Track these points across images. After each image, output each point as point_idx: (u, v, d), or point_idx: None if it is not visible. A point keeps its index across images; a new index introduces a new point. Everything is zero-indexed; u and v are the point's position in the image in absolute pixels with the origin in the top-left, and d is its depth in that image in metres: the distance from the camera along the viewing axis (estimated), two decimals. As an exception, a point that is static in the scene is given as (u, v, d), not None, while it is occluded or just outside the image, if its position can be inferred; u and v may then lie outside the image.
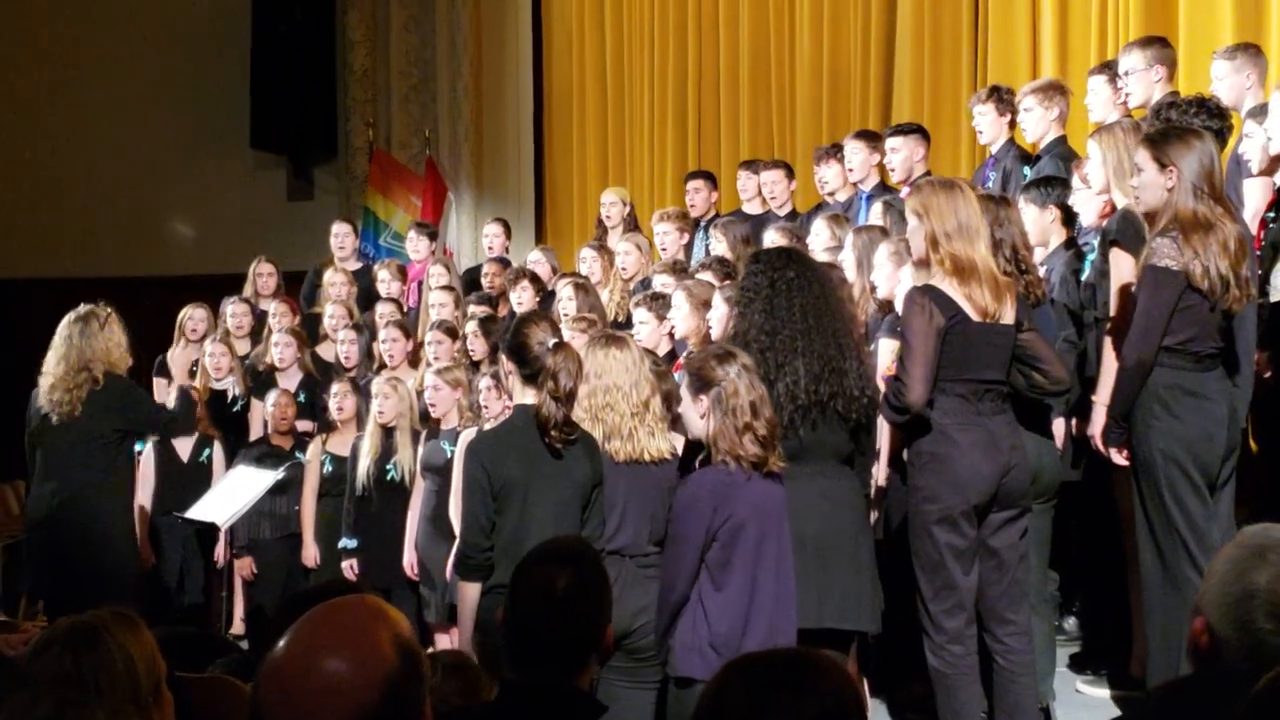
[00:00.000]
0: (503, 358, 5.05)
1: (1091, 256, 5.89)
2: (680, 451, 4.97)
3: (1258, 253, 5.54)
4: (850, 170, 8.01)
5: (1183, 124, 5.22)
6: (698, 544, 4.27)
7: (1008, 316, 4.80)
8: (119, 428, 6.62)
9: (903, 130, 7.75)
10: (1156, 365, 4.76)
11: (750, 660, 2.14)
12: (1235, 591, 2.35)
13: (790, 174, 8.72)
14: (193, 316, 8.87)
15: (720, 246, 7.69)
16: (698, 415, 4.37)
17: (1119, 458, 4.91)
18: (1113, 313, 5.15)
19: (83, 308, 6.66)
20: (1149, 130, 5.16)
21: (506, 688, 2.82)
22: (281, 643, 1.92)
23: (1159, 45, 6.53)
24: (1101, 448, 5.06)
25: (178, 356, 8.74)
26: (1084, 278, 5.88)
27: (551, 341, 4.69)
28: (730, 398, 4.29)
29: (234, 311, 9.00)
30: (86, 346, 6.51)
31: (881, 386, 5.11)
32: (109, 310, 6.66)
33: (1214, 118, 5.55)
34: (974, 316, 4.73)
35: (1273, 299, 5.41)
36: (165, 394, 8.20)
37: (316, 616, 1.95)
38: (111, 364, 6.56)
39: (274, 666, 1.90)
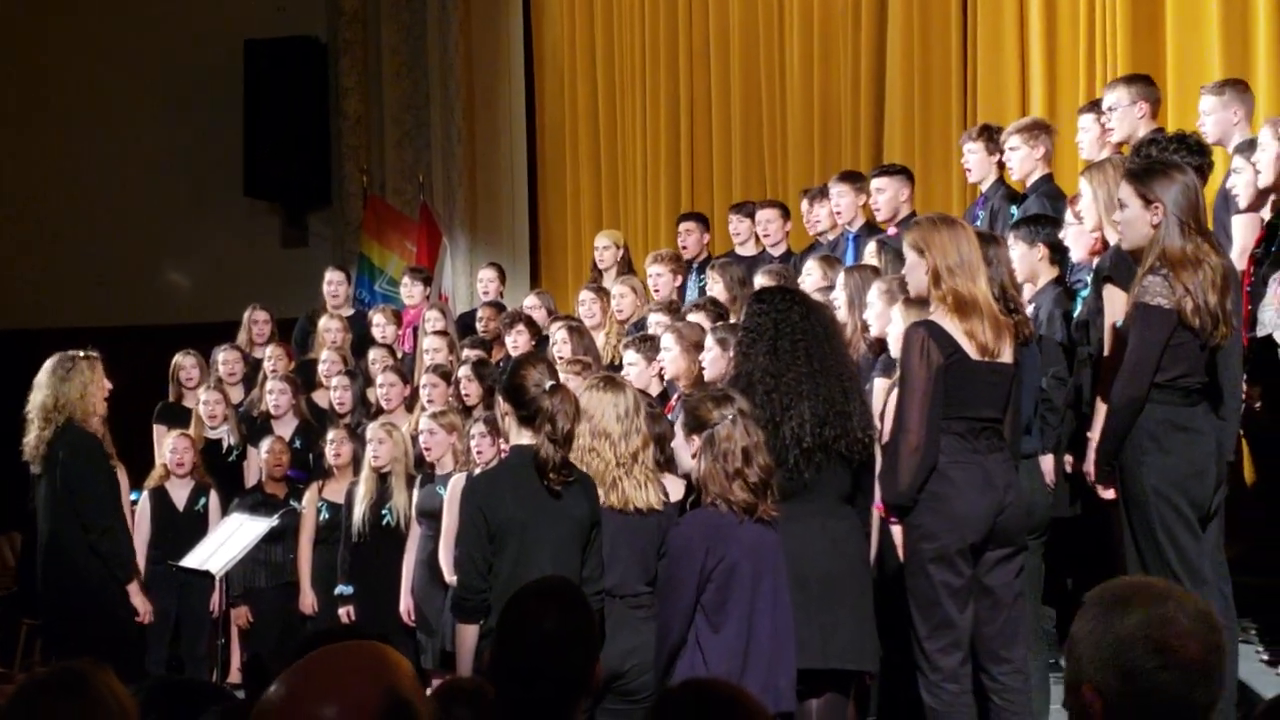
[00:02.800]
0: (499, 399, 5.06)
1: (1084, 294, 5.90)
2: (673, 498, 4.96)
3: (1246, 288, 5.56)
4: (837, 212, 8.05)
5: (1164, 159, 5.23)
6: (692, 586, 4.28)
7: (1006, 355, 4.80)
8: (62, 482, 6.48)
9: (887, 171, 7.81)
10: (1147, 401, 4.75)
11: (673, 693, 2.19)
12: (1109, 642, 2.27)
13: (785, 214, 8.76)
14: (184, 365, 8.87)
15: (717, 288, 7.72)
16: (689, 454, 4.39)
17: (1107, 494, 4.90)
18: (1106, 349, 5.15)
19: (67, 351, 6.64)
20: (1131, 165, 5.17)
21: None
22: (274, 685, 1.92)
23: (1142, 82, 6.58)
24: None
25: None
26: (1076, 315, 5.89)
27: (548, 384, 4.70)
28: (723, 442, 4.30)
29: (225, 359, 8.97)
30: (53, 391, 6.49)
31: (878, 425, 5.12)
32: (85, 354, 6.62)
33: (1194, 154, 5.57)
34: (973, 354, 4.73)
35: (1260, 334, 5.42)
36: (164, 439, 8.19)
37: (311, 661, 1.95)
38: (78, 409, 6.49)
39: (264, 709, 1.91)
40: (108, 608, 6.53)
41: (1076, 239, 5.98)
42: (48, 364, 6.60)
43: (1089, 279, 5.86)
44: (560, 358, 7.23)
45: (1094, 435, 5.10)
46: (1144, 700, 2.24)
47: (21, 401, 6.68)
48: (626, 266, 9.29)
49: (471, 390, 7.63)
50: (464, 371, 7.74)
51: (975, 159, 7.35)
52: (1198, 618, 2.26)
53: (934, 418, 4.70)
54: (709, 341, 6.03)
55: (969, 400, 4.75)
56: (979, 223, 7.07)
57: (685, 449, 4.42)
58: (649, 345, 6.65)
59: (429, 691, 6.34)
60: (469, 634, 4.64)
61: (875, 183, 7.71)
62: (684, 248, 9.16)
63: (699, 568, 4.27)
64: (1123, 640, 2.25)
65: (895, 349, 5.41)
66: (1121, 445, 4.79)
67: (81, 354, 6.62)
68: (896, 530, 4.93)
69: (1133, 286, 4.77)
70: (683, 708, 2.22)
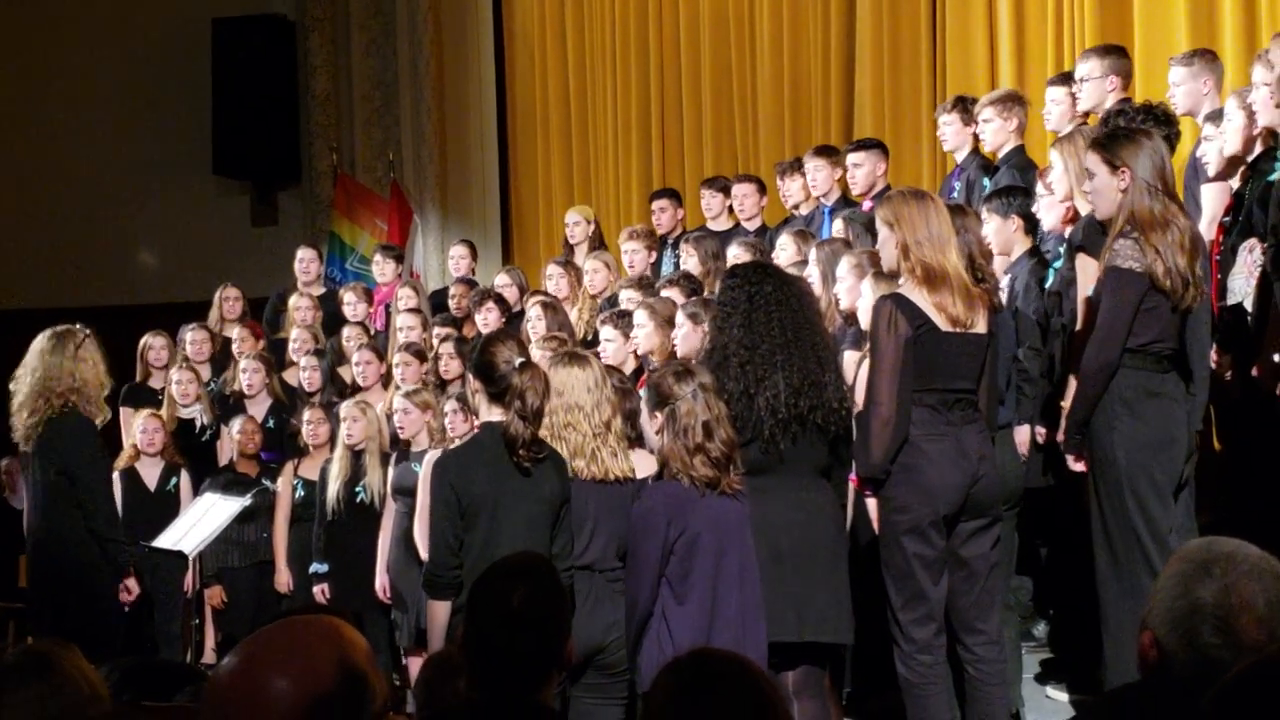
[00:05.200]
0: (469, 376, 5.06)
1: (1057, 264, 5.92)
2: (647, 474, 4.97)
3: (1216, 257, 5.58)
4: (813, 186, 8.05)
5: (1129, 126, 5.24)
6: (655, 558, 4.30)
7: (980, 325, 4.80)
8: (59, 469, 6.27)
9: (863, 145, 7.82)
10: (1120, 367, 4.73)
11: (679, 662, 2.19)
12: (1181, 606, 2.32)
13: (761, 188, 8.74)
14: (154, 345, 8.81)
15: (691, 261, 7.73)
16: (654, 431, 4.41)
17: (1078, 466, 4.91)
18: (1079, 319, 5.17)
19: (60, 326, 6.39)
20: (1095, 135, 5.18)
21: (470, 706, 2.82)
22: (228, 658, 1.94)
23: (1116, 54, 6.60)
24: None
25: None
26: (1049, 285, 5.91)
27: (518, 360, 4.69)
28: (684, 418, 4.32)
29: (193, 338, 8.93)
30: (55, 366, 6.23)
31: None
32: (87, 332, 6.40)
33: (1161, 124, 5.58)
34: (943, 326, 4.73)
35: (1230, 302, 5.44)
36: (132, 420, 8.14)
37: (265, 634, 1.97)
38: (81, 388, 6.28)
39: (216, 679, 1.93)
40: (99, 592, 6.48)
41: (1048, 209, 6.00)
42: (45, 340, 6.33)
43: (1060, 249, 5.88)
44: (535, 334, 7.23)
45: (1067, 405, 5.10)
46: (1195, 667, 2.28)
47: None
48: (598, 242, 9.28)
49: (452, 367, 7.60)
50: (445, 349, 7.72)
51: (950, 130, 7.37)
52: (1277, 604, 2.29)
53: (904, 390, 4.71)
54: (680, 318, 6.04)
55: (940, 372, 4.75)
56: (955, 194, 7.09)
57: (651, 426, 4.45)
58: (625, 321, 6.66)
59: (414, 668, 6.36)
60: (441, 611, 4.64)
61: (851, 157, 7.72)
62: (658, 224, 9.14)
63: (661, 540, 4.29)
64: (1194, 609, 2.30)
65: (866, 322, 5.42)
66: (1093, 412, 4.77)
67: (81, 330, 6.39)
68: (871, 503, 4.94)
69: (1103, 252, 4.77)
70: (687, 676, 2.21)
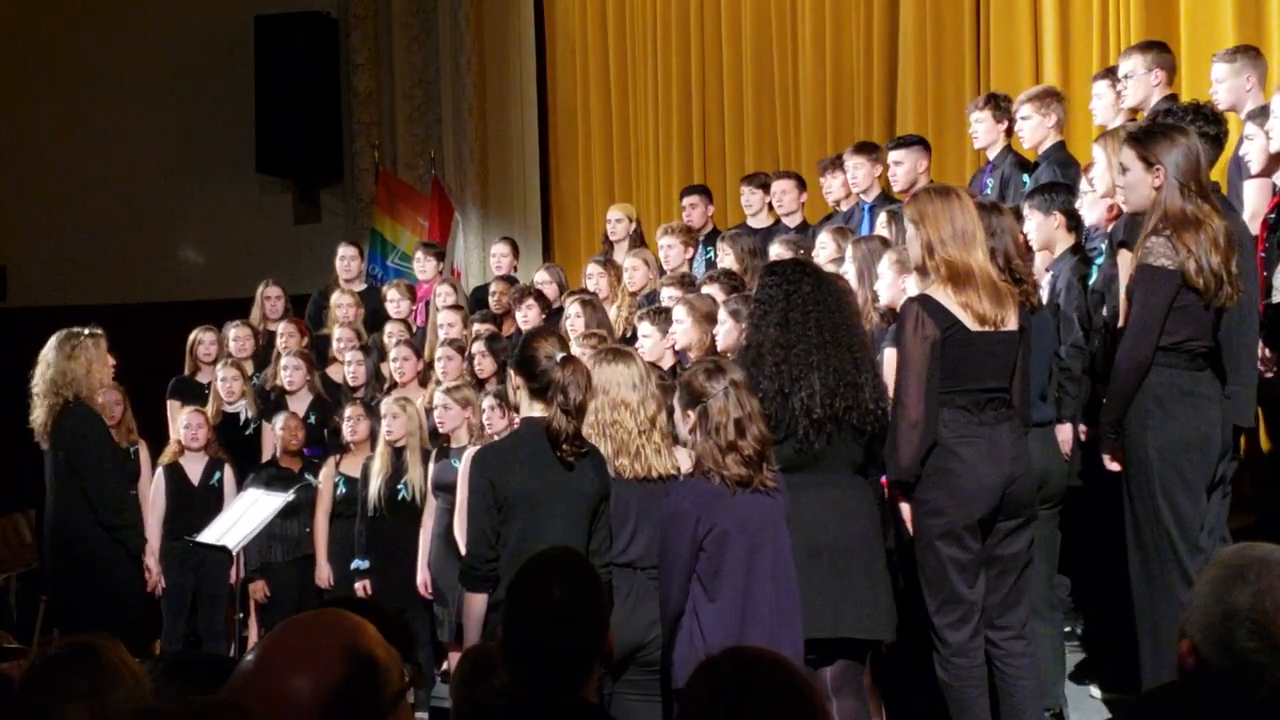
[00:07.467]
0: (511, 371, 5.08)
1: (1100, 261, 5.88)
2: (684, 470, 4.97)
3: (1261, 254, 5.53)
4: (853, 183, 8.02)
5: (1166, 123, 5.20)
6: (685, 555, 4.30)
7: (1010, 323, 4.76)
8: (66, 461, 6.60)
9: (904, 142, 7.77)
10: (1153, 365, 4.71)
11: (716, 660, 2.19)
12: (1217, 612, 2.34)
13: (801, 185, 8.72)
14: (203, 340, 8.89)
15: (728, 259, 7.71)
16: (687, 429, 4.41)
17: (1112, 465, 4.87)
18: (1122, 315, 5.13)
19: (73, 328, 6.72)
20: (1133, 130, 5.14)
21: (511, 702, 2.82)
22: (245, 659, 2.02)
23: (1159, 50, 6.55)
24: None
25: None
26: (1091, 283, 5.87)
27: (560, 356, 4.70)
28: (715, 416, 4.31)
29: (235, 335, 8.97)
30: (60, 366, 6.56)
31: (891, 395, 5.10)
32: (90, 331, 6.70)
33: (1210, 123, 5.54)
34: (971, 325, 4.68)
35: (1275, 299, 5.40)
36: (178, 415, 8.22)
37: (278, 634, 2.04)
38: (83, 386, 6.58)
39: (234, 685, 2.00)
40: (112, 583, 6.56)
41: (1091, 205, 5.97)
42: (53, 340, 6.67)
43: (1104, 246, 5.84)
44: (574, 331, 7.24)
45: (1110, 402, 5.06)
46: (1233, 671, 2.31)
47: (31, 377, 6.73)
48: (638, 239, 9.28)
49: (485, 364, 7.64)
50: (477, 346, 7.76)
51: (982, 127, 7.33)
52: None
53: (931, 392, 4.66)
54: (722, 314, 6.04)
55: (971, 372, 4.71)
56: (988, 190, 7.06)
57: (684, 424, 4.44)
58: (663, 318, 6.66)
59: (452, 664, 6.37)
60: (477, 603, 4.67)
61: (893, 155, 7.67)
62: (689, 220, 9.13)
63: (690, 537, 4.29)
64: (1230, 615, 2.33)
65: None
66: (1126, 409, 4.75)
67: (85, 331, 6.69)
68: (904, 506, 4.90)
69: (1136, 249, 4.75)
70: (723, 674, 2.21)
